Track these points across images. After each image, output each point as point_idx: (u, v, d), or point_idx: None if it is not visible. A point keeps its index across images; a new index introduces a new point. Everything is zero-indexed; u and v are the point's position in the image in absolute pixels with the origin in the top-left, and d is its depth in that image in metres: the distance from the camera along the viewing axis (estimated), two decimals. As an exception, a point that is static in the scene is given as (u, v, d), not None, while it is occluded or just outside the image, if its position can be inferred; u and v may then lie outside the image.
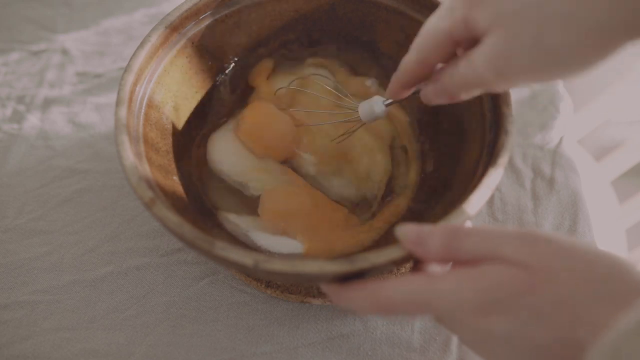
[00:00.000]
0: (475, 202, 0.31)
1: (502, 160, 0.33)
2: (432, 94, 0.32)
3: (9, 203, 0.46)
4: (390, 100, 0.36)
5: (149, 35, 0.38)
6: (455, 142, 0.40)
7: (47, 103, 0.53)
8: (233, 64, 0.46)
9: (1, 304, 0.41)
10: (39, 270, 0.43)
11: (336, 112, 0.42)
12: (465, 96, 0.30)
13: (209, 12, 0.42)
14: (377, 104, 0.37)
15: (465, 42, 0.29)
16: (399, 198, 0.41)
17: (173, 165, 0.40)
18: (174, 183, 0.38)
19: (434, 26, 0.29)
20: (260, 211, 0.40)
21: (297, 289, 0.40)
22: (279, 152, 0.43)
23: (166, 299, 0.41)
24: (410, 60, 0.31)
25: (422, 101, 0.33)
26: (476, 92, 0.30)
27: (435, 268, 0.28)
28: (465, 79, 0.29)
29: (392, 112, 0.45)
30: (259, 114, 0.43)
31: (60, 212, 0.46)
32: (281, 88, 0.45)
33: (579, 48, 0.24)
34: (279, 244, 0.39)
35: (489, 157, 0.34)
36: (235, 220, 0.40)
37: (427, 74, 0.32)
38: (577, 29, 0.23)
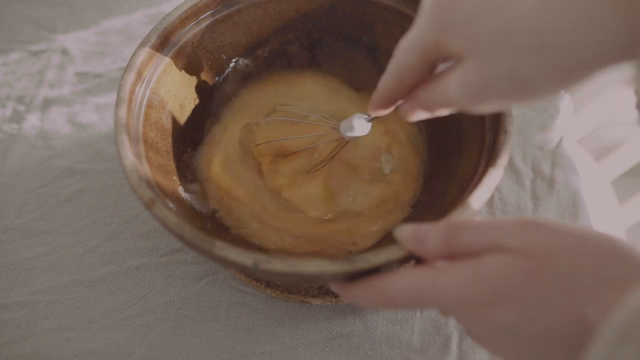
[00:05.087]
0: (475, 202, 0.31)
1: (502, 160, 0.33)
2: (410, 111, 0.32)
3: (9, 203, 0.46)
4: (372, 117, 0.36)
5: (149, 35, 0.38)
6: (454, 142, 0.40)
7: (47, 103, 0.53)
8: (233, 64, 0.46)
9: (1, 304, 0.41)
10: (38, 270, 0.43)
11: (317, 135, 0.42)
12: (443, 114, 0.31)
13: (208, 13, 0.42)
14: (357, 122, 0.36)
15: (441, 60, 0.29)
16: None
17: (173, 165, 0.40)
18: (174, 183, 0.38)
19: (408, 48, 0.29)
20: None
21: (297, 289, 0.40)
22: None
23: (166, 299, 0.41)
24: (388, 80, 0.31)
25: (401, 117, 0.33)
26: (453, 111, 0.30)
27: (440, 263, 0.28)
28: (439, 102, 0.29)
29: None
30: None
31: (60, 212, 0.46)
32: (255, 123, 0.44)
33: (555, 77, 0.24)
34: None
35: (489, 157, 0.34)
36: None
37: (406, 93, 0.32)
38: (552, 59, 0.23)
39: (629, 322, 0.20)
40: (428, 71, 0.29)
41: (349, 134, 0.37)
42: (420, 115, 0.32)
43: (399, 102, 0.33)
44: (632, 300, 0.21)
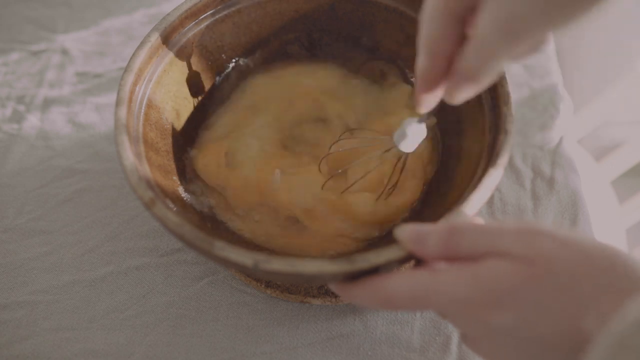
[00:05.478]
0: (475, 202, 0.31)
1: (502, 160, 0.33)
2: (455, 89, 0.28)
3: (9, 203, 0.46)
4: (423, 115, 0.32)
5: (148, 35, 0.38)
6: (455, 142, 0.40)
7: (47, 103, 0.53)
8: (233, 64, 0.46)
9: (1, 304, 0.41)
10: (38, 270, 0.43)
11: (373, 156, 0.39)
12: (488, 77, 0.26)
13: (209, 12, 0.42)
14: (409, 126, 0.32)
15: (469, 15, 0.26)
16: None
17: (173, 165, 0.40)
18: (174, 183, 0.38)
19: (431, 11, 0.27)
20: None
21: (297, 289, 0.40)
22: None
23: (166, 299, 0.41)
24: (421, 59, 0.28)
25: (448, 102, 0.30)
26: (498, 67, 0.26)
27: (440, 265, 0.28)
28: (477, 55, 0.25)
29: None
30: None
31: (60, 212, 0.46)
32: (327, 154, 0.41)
33: None
34: None
35: (489, 157, 0.34)
36: None
37: (445, 67, 0.28)
38: None
39: (627, 331, 0.20)
40: (457, 30, 0.27)
41: (405, 145, 0.33)
42: (468, 90, 0.28)
43: (441, 93, 0.30)
44: (631, 309, 0.21)
